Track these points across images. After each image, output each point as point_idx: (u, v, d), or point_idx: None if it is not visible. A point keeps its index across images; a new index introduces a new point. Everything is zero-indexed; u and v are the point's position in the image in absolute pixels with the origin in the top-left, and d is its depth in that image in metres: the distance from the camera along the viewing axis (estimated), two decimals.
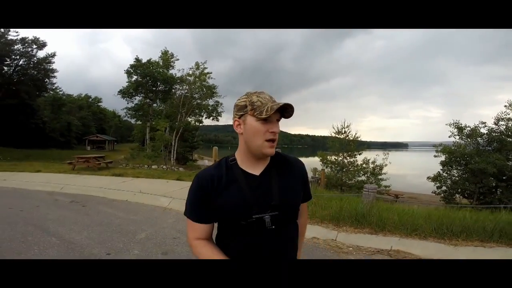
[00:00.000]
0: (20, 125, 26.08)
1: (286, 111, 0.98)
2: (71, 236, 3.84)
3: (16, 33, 24.43)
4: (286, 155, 1.13)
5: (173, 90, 22.99)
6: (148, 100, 23.36)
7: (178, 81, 22.10)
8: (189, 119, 22.89)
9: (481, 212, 4.39)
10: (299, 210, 1.16)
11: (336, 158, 13.66)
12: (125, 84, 22.52)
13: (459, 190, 10.51)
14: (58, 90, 35.37)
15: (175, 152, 20.19)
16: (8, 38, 24.14)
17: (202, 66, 20.88)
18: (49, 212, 5.00)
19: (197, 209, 1.03)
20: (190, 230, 1.06)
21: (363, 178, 13.05)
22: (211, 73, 21.05)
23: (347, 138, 13.70)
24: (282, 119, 1.01)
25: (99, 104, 54.35)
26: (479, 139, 10.50)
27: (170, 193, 6.61)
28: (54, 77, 29.00)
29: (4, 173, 9.58)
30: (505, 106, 9.98)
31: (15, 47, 24.75)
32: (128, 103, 23.19)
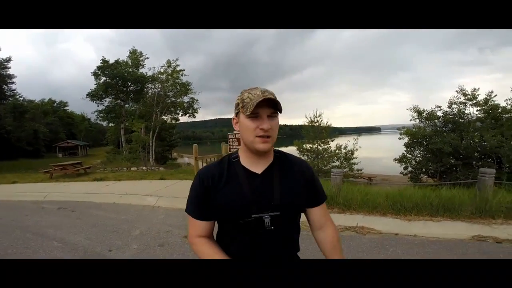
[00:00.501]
0: None
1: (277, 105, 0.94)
2: (71, 238, 4.12)
3: None
4: (291, 156, 1.11)
5: (145, 89, 22.76)
6: (119, 101, 22.98)
7: (150, 80, 21.89)
8: (165, 118, 22.79)
9: (426, 189, 5.00)
10: (320, 219, 1.12)
11: (311, 146, 14.28)
12: (93, 86, 22.06)
13: (423, 170, 11.27)
14: (18, 96, 33.28)
15: (153, 152, 20.13)
16: None
17: (174, 64, 20.81)
18: (41, 220, 5.17)
19: (197, 206, 1.02)
20: (191, 227, 1.05)
21: (337, 163, 13.78)
22: (183, 70, 21.03)
23: (319, 126, 14.32)
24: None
25: (66, 108, 52.04)
26: (436, 121, 11.51)
27: (156, 192, 6.92)
28: (13, 83, 27.47)
29: None
30: (456, 91, 11.01)
31: None
32: (98, 106, 22.78)
